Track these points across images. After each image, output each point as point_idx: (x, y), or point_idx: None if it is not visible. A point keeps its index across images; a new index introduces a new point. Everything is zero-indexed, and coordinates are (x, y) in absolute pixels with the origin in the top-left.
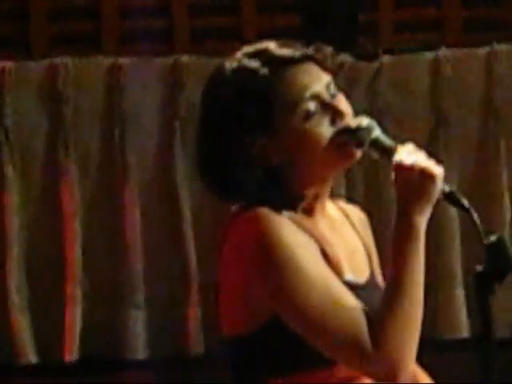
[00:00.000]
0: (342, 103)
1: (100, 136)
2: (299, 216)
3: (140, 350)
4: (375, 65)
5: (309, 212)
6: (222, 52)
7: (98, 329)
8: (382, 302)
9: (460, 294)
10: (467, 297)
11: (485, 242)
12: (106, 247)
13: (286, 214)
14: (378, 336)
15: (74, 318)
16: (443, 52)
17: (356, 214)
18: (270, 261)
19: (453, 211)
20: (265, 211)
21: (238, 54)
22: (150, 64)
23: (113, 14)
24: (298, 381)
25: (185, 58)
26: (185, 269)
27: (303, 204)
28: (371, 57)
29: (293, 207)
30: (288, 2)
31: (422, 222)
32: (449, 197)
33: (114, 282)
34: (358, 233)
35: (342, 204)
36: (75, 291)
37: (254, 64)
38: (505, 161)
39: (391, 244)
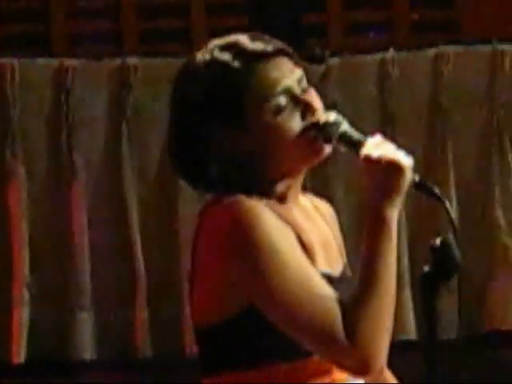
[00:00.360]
0: (313, 98)
1: (47, 137)
2: (274, 203)
3: (87, 351)
4: (323, 67)
5: (282, 200)
6: (170, 54)
7: (46, 331)
8: (355, 295)
9: (407, 295)
10: (414, 298)
11: (430, 243)
12: (53, 249)
13: (262, 200)
14: (353, 328)
15: (22, 320)
16: (391, 54)
17: (325, 207)
18: (248, 245)
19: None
20: (242, 197)
21: (210, 46)
22: (97, 66)
23: (61, 16)
24: (271, 371)
25: (132, 60)
26: (132, 270)
27: (276, 193)
28: (319, 59)
29: (266, 195)
30: (237, 3)
31: (393, 214)
32: (420, 186)
33: (62, 283)
34: (328, 226)
35: (312, 197)
36: (22, 293)
37: (226, 57)
38: (451, 161)
39: (363, 237)
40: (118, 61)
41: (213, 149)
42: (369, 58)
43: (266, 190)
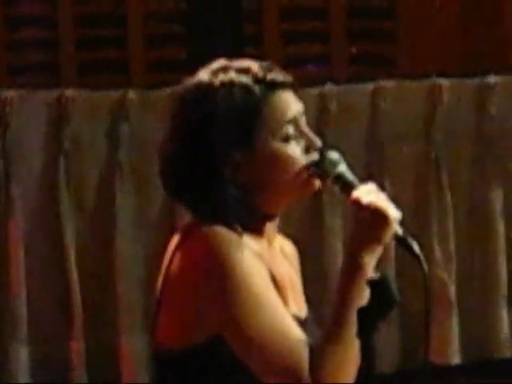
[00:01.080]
0: (314, 135)
1: None
2: (252, 238)
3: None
4: None
5: (261, 235)
6: (107, 85)
7: None
8: (323, 337)
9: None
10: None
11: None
12: None
13: (240, 234)
14: (318, 370)
15: None
16: (329, 87)
17: (289, 248)
18: (223, 279)
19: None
20: (221, 229)
21: (218, 68)
22: (35, 96)
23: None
24: None
25: (70, 92)
26: (68, 300)
27: (258, 228)
28: None
29: (247, 228)
30: (172, 32)
31: (370, 262)
32: (400, 241)
33: None
34: (292, 268)
35: (279, 237)
36: None
37: (246, 80)
38: (390, 194)
39: (337, 279)
40: (55, 92)
41: (218, 171)
42: (307, 91)
43: (249, 223)
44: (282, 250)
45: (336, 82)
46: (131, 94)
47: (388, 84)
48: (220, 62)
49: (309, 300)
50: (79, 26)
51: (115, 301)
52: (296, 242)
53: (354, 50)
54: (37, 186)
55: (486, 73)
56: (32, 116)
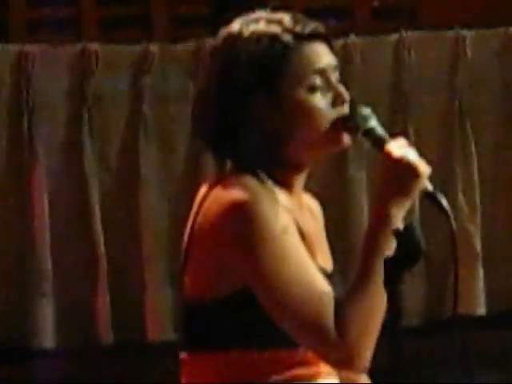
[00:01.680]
0: (344, 90)
1: (8, 123)
2: (280, 190)
3: (49, 338)
4: None
5: (289, 187)
6: (130, 40)
7: (6, 317)
8: (349, 290)
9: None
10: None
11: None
12: (14, 234)
13: (269, 185)
14: (344, 324)
15: None
16: (352, 39)
17: (315, 206)
18: (250, 233)
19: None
20: (250, 181)
21: (253, 18)
22: (57, 51)
23: (20, 2)
24: (257, 356)
25: (92, 46)
26: (93, 255)
27: (286, 179)
28: None
29: (276, 179)
30: None
31: (398, 214)
32: (430, 196)
33: (22, 268)
34: (318, 224)
35: (304, 194)
36: None
37: (276, 30)
38: (414, 144)
39: (365, 230)
40: (78, 47)
41: (245, 117)
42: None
43: (277, 174)
44: (308, 206)
45: (359, 34)
46: (153, 48)
47: (411, 35)
48: (254, 14)
49: (334, 254)
50: None
51: (140, 255)
52: (320, 195)
53: (375, 2)
54: (61, 141)
55: (509, 23)
56: (55, 71)
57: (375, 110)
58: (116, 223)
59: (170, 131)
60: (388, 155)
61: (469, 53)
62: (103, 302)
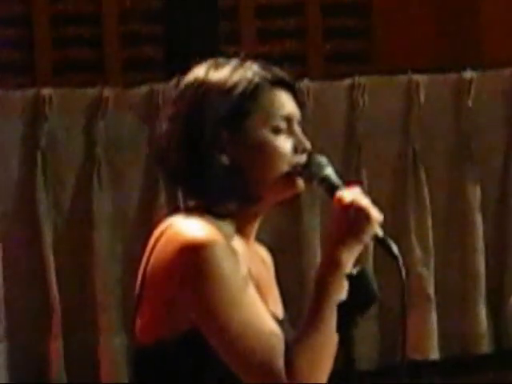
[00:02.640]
0: (306, 140)
1: None
2: (233, 234)
3: (2, 381)
4: None
5: (243, 235)
6: (83, 84)
7: None
8: (300, 333)
9: None
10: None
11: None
12: None
13: (226, 228)
14: (293, 366)
15: None
16: (306, 83)
17: (265, 254)
18: (202, 275)
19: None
20: (202, 224)
21: (223, 62)
22: (11, 96)
23: None
24: None
25: (46, 90)
26: (47, 301)
27: (239, 225)
28: None
29: (236, 221)
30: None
31: (348, 259)
32: (381, 242)
33: None
34: (269, 273)
35: (255, 243)
36: None
37: (245, 73)
38: (366, 191)
39: (316, 275)
40: (31, 91)
41: (210, 156)
42: None
43: (235, 219)
44: (260, 255)
45: (312, 79)
46: (107, 92)
47: (365, 80)
48: (219, 60)
49: (288, 301)
50: (54, 25)
51: (94, 300)
52: (275, 242)
53: (328, 47)
54: (14, 184)
55: (461, 69)
56: (8, 116)
57: (328, 155)
58: (69, 267)
59: (124, 175)
60: (340, 201)
61: (422, 98)
62: (56, 346)
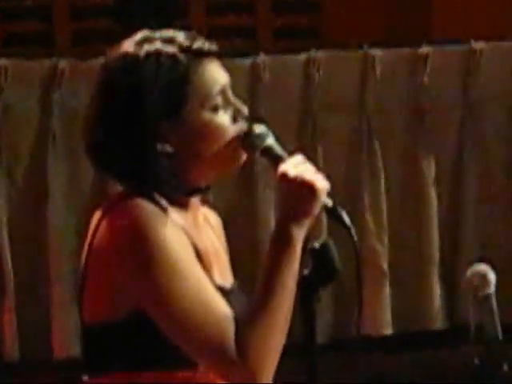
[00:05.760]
0: (242, 104)
1: None
2: (175, 209)
3: None
4: None
5: (184, 206)
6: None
7: None
8: (250, 310)
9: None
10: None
11: (309, 247)
12: None
13: (163, 205)
14: (244, 342)
15: None
16: (262, 58)
17: (214, 218)
18: (145, 255)
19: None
20: (143, 202)
21: (142, 39)
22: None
23: None
24: (156, 379)
25: (1, 61)
26: (0, 275)
27: (181, 198)
28: None
29: (171, 199)
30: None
31: (299, 234)
32: (330, 212)
33: None
34: (217, 237)
35: (202, 208)
36: None
37: (172, 50)
38: (321, 165)
39: (266, 252)
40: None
41: (143, 141)
42: (240, 61)
43: (175, 195)
44: (206, 220)
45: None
46: (62, 64)
47: (320, 54)
48: (144, 33)
49: (240, 269)
50: None
51: (47, 273)
52: (229, 212)
53: (278, 22)
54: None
55: (413, 43)
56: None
57: (283, 129)
58: (23, 239)
59: (79, 147)
60: (283, 175)
61: (377, 72)
62: (9, 318)
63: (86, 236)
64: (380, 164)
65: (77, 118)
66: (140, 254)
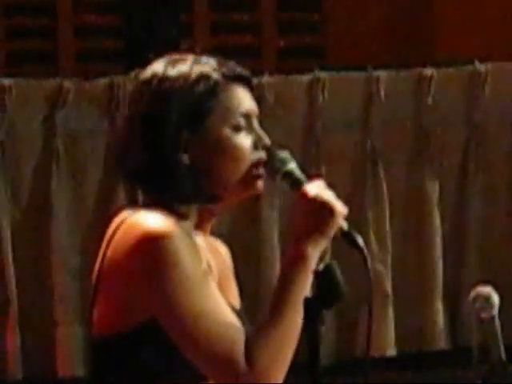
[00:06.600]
0: (265, 136)
1: None
2: (190, 227)
3: None
4: None
5: (199, 226)
6: (39, 74)
7: None
8: (261, 324)
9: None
10: None
11: (314, 268)
12: None
13: (179, 221)
14: (253, 357)
15: None
16: (266, 78)
17: (222, 248)
18: (161, 266)
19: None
20: (160, 217)
21: (181, 57)
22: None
23: None
24: None
25: (4, 81)
26: (4, 293)
27: (196, 218)
28: None
29: (186, 216)
30: (108, 25)
31: (314, 254)
32: (345, 235)
33: None
34: (226, 266)
35: (211, 237)
36: None
37: (204, 68)
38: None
39: (281, 268)
40: None
41: (166, 151)
42: None
43: (189, 211)
44: (217, 250)
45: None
46: (67, 83)
47: (325, 75)
48: (177, 55)
49: (245, 293)
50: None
51: (51, 291)
52: (233, 234)
53: (282, 42)
54: None
55: (417, 65)
56: None
57: (288, 149)
58: (27, 260)
59: (83, 167)
60: (304, 195)
61: (382, 94)
62: (13, 338)
63: (96, 252)
64: (384, 185)
65: (81, 138)
66: (156, 265)
